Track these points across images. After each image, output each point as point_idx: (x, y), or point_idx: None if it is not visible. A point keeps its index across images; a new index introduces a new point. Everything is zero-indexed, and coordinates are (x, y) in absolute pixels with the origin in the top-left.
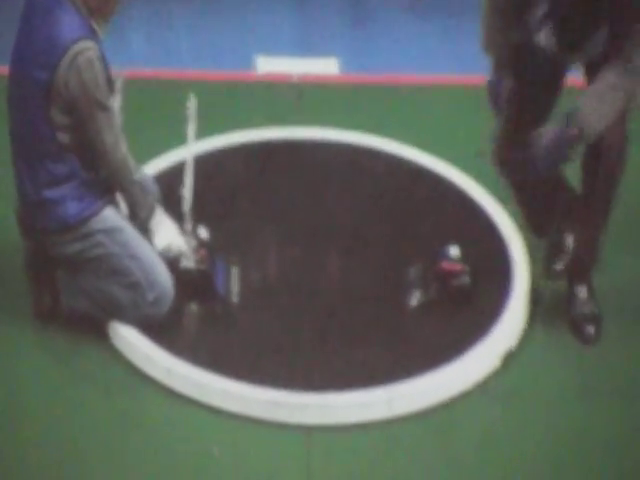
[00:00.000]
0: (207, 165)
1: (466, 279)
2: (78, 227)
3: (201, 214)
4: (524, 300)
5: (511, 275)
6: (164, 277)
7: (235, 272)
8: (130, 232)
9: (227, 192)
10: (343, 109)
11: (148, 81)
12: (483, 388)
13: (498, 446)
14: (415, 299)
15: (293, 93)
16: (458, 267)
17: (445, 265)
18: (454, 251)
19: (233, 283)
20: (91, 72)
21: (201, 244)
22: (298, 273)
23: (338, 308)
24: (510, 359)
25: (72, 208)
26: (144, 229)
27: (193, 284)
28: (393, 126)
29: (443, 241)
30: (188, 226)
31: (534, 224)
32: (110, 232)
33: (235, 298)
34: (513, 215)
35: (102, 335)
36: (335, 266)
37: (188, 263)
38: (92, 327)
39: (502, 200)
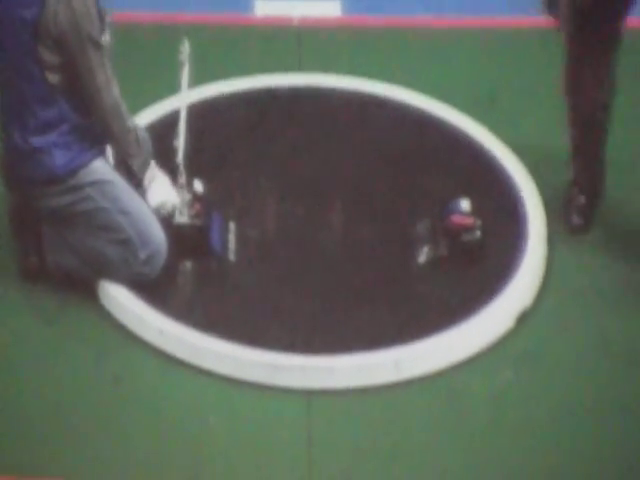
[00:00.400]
0: (202, 115)
1: (477, 234)
2: (66, 179)
3: (196, 167)
4: (540, 256)
5: (526, 230)
6: (157, 234)
7: (232, 228)
8: (121, 186)
9: (224, 143)
10: (346, 54)
11: (139, 25)
12: (496, 350)
13: (511, 412)
14: (423, 256)
15: (293, 37)
16: (469, 221)
17: (455, 219)
18: (465, 204)
19: (230, 239)
20: (81, 2)
21: (196, 198)
22: (299, 228)
23: (342, 266)
24: (525, 319)
25: (60, 158)
26: (136, 184)
27: (187, 240)
28: (400, 72)
29: (453, 194)
30: (182, 179)
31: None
32: (100, 185)
33: (232, 255)
34: (528, 166)
35: (91, 295)
36: (339, 221)
37: (182, 218)
38: (80, 286)
39: (517, 150)
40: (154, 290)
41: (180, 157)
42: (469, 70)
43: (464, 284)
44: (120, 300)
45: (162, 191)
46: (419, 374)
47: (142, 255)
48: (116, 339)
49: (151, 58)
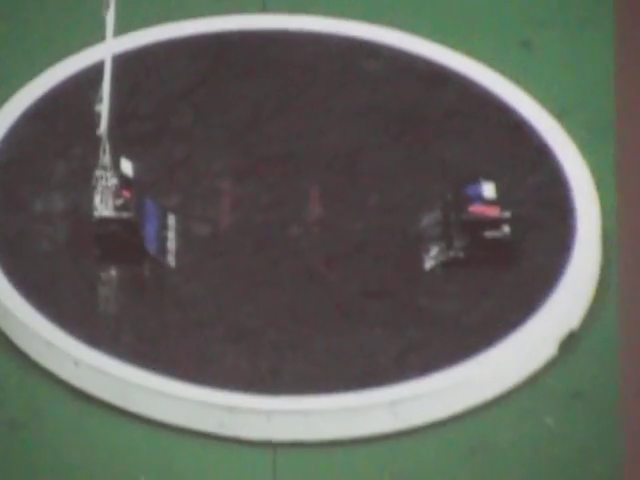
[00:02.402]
0: (135, 68)
1: (506, 229)
2: None
3: (125, 139)
4: (592, 256)
5: (573, 223)
6: None
7: (173, 221)
8: None
9: (163, 106)
10: None
11: None
12: (531, 387)
13: (553, 471)
14: (432, 259)
15: None
16: (494, 212)
17: (476, 209)
18: (488, 189)
19: (170, 237)
20: None
21: (124, 183)
22: (265, 223)
23: (321, 274)
24: (571, 344)
25: None
26: None
27: (112, 239)
28: (400, 12)
29: (472, 175)
30: (105, 158)
31: None
32: None
33: (173, 259)
34: (573, 133)
35: None
36: (317, 212)
37: (105, 210)
38: None
39: (559, 112)
40: (68, 308)
41: (103, 127)
42: (492, 8)
43: (488, 298)
44: (22, 320)
45: None
46: (424, 420)
47: None
48: (17, 373)
49: None
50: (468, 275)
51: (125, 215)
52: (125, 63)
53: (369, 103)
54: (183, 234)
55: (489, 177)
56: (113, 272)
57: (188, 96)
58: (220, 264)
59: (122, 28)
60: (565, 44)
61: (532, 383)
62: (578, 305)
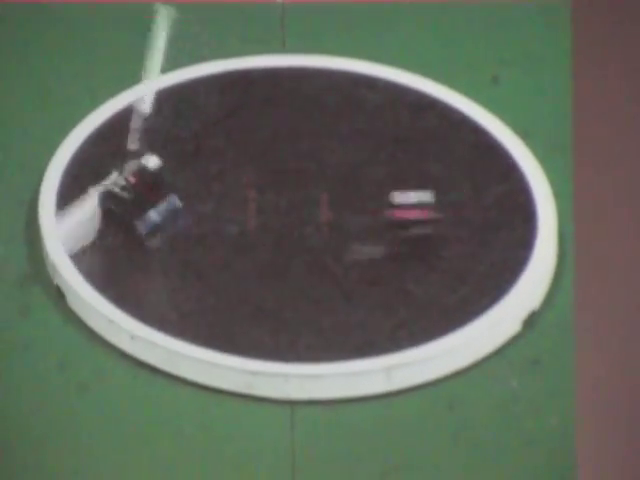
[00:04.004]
0: (178, 100)
1: (428, 230)
2: None
3: (170, 156)
4: (550, 253)
5: (535, 222)
6: None
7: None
8: None
9: (200, 130)
10: (334, 31)
11: (102, 5)
12: (500, 357)
13: (516, 424)
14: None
15: (276, 13)
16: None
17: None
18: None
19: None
20: None
21: (141, 172)
22: (283, 224)
23: (329, 263)
24: (533, 323)
25: None
26: None
27: (110, 213)
28: (393, 50)
29: (452, 183)
30: (133, 145)
31: None
32: None
33: (206, 253)
34: (536, 151)
35: (57, 296)
36: (326, 215)
37: (112, 186)
38: (44, 285)
39: (523, 134)
40: (125, 292)
41: (135, 123)
42: (469, 46)
43: (466, 284)
44: (88, 301)
45: None
46: (413, 383)
47: None
48: (83, 344)
49: (124, 40)
50: (450, 266)
51: (124, 195)
52: (170, 95)
53: (368, 126)
54: (217, 233)
55: (465, 186)
56: (163, 266)
57: (221, 122)
58: (247, 257)
59: (167, 67)
60: (528, 79)
61: (500, 353)
62: (539, 291)
